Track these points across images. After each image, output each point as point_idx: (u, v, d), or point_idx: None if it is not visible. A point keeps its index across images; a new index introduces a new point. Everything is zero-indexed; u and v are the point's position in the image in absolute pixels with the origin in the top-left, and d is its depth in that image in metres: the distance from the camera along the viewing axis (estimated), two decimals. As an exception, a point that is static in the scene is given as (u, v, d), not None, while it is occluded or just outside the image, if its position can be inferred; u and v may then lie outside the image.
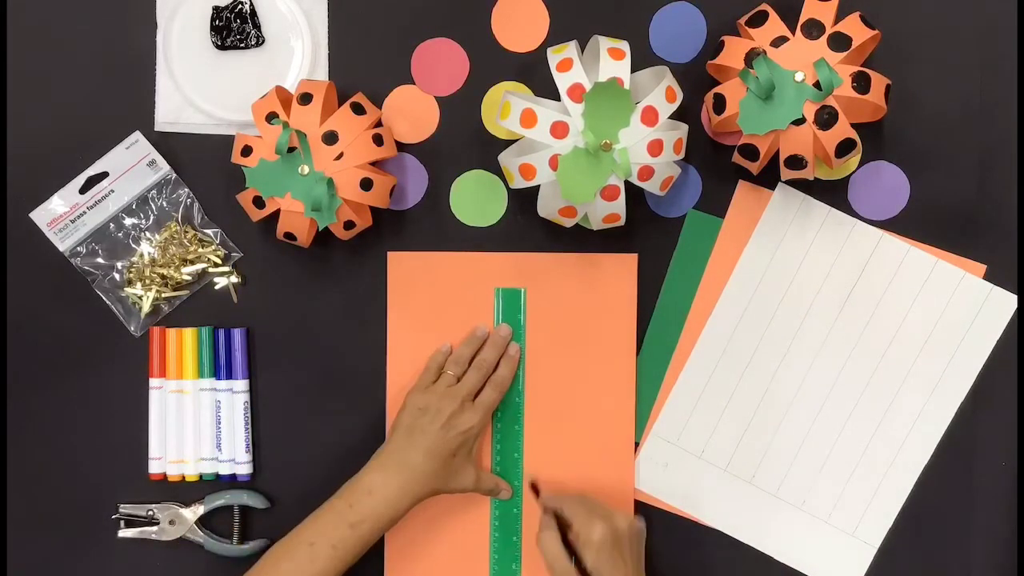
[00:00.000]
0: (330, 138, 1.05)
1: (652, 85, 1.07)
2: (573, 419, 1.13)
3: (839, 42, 1.02)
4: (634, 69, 1.07)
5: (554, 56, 1.04)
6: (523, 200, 1.12)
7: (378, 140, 1.07)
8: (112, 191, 1.12)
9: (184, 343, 1.13)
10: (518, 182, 1.05)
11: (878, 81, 1.03)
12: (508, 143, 1.11)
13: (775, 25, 1.04)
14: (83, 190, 1.12)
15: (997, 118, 1.11)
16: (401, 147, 1.13)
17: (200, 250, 1.13)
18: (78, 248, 1.13)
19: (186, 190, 1.13)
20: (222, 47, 1.12)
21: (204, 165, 1.13)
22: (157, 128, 1.13)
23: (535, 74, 1.12)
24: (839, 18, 1.04)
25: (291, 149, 1.05)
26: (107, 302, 1.13)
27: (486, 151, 1.12)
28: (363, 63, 1.13)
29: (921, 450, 1.12)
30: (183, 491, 1.14)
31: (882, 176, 1.12)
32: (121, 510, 1.13)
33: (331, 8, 1.13)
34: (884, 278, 1.12)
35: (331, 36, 1.13)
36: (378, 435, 1.12)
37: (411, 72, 1.13)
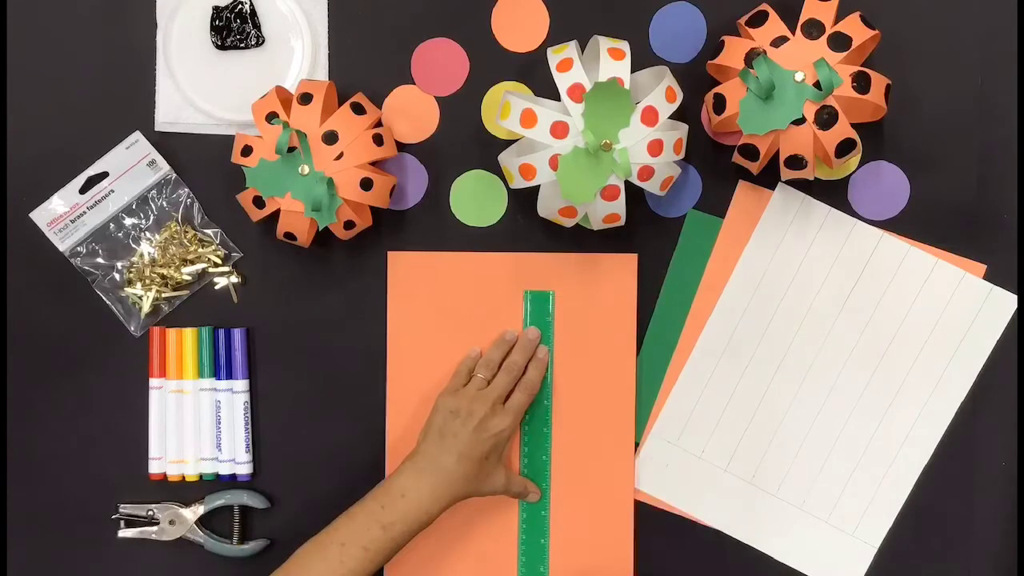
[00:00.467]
0: (330, 138, 1.05)
1: (652, 85, 1.07)
2: (573, 419, 1.13)
3: (839, 42, 1.02)
4: (634, 69, 1.07)
5: (554, 56, 1.04)
6: (523, 200, 1.12)
7: (378, 140, 1.07)
8: (112, 191, 1.12)
9: (184, 343, 1.13)
10: (518, 182, 1.05)
11: (878, 81, 1.03)
12: (508, 143, 1.11)
13: (775, 25, 1.04)
14: (83, 190, 1.12)
15: (997, 118, 1.11)
16: (401, 147, 1.13)
17: (200, 250, 1.13)
18: (78, 248, 1.13)
19: (186, 190, 1.13)
20: (222, 47, 1.12)
21: (204, 165, 1.13)
22: (157, 128, 1.13)
23: (535, 74, 1.12)
24: (839, 18, 1.04)
25: (291, 149, 1.05)
26: (107, 302, 1.13)
27: (486, 151, 1.12)
28: (363, 63, 1.13)
29: (921, 450, 1.12)
30: (183, 491, 1.14)
31: (882, 176, 1.12)
32: (121, 510, 1.13)
33: (331, 8, 1.13)
34: (884, 278, 1.12)
35: (331, 36, 1.13)
36: (378, 435, 1.12)
37: (411, 72, 1.13)
